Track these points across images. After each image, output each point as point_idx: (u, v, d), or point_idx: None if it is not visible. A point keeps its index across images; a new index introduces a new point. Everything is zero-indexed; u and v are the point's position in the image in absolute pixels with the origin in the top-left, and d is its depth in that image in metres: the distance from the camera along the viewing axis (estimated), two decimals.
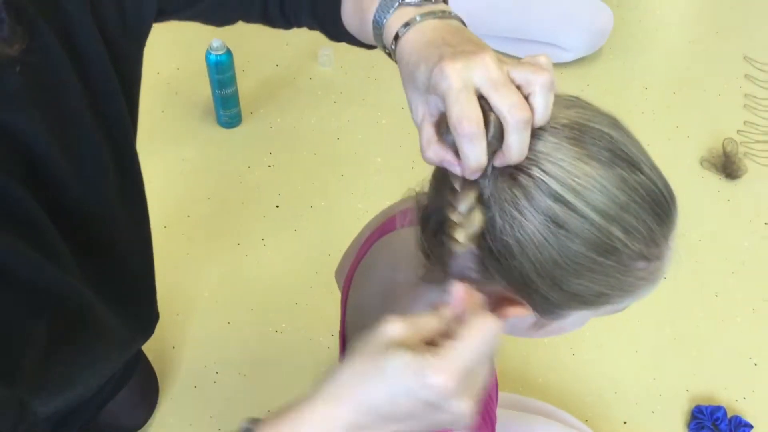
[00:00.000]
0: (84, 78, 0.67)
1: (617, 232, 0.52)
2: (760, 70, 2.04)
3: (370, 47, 0.71)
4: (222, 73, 1.61)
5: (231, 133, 1.75)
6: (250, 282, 1.51)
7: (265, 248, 1.56)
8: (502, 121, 0.50)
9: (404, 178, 1.65)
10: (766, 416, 1.41)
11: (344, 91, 1.87)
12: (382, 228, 0.81)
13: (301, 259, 1.55)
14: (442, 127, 0.53)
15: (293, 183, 1.68)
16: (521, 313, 0.57)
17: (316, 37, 1.93)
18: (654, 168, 0.56)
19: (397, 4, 0.61)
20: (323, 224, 1.61)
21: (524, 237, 0.52)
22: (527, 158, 0.51)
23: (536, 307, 0.56)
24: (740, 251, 1.66)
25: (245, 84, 1.80)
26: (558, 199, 0.51)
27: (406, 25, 0.59)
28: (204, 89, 1.72)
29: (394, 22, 0.61)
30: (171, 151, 1.70)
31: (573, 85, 1.91)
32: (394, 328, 0.50)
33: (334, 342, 1.44)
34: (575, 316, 0.58)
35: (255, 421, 0.52)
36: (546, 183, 0.51)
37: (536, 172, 0.51)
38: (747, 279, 1.61)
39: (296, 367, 1.40)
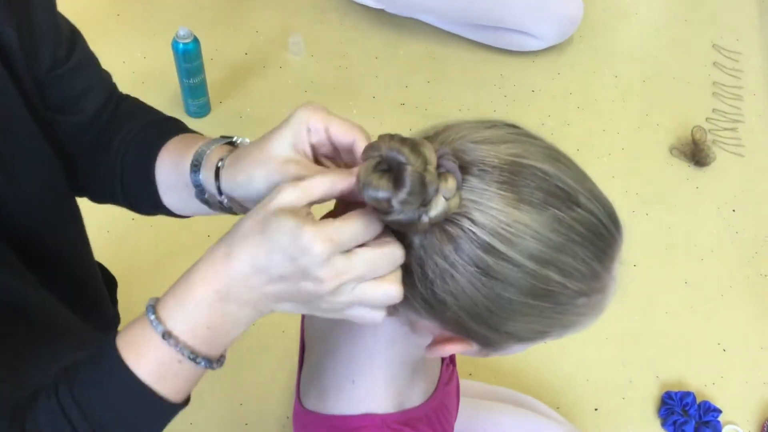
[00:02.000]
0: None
1: (554, 276, 0.51)
2: (728, 57, 2.06)
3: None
4: (189, 62, 1.59)
5: (200, 122, 1.73)
6: None
7: None
8: None
9: None
10: (735, 401, 1.44)
11: (315, 80, 1.85)
12: None
13: None
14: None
15: None
16: (462, 349, 0.57)
17: (286, 25, 1.92)
18: (593, 197, 0.53)
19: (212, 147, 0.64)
20: None
21: (457, 289, 0.51)
22: (458, 207, 0.50)
23: (475, 341, 0.56)
24: (709, 239, 1.68)
25: (214, 73, 1.77)
26: (488, 250, 0.49)
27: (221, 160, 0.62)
28: (171, 78, 1.69)
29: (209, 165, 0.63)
30: None
31: (544, 73, 1.92)
32: (285, 194, 0.50)
33: None
34: (518, 347, 0.58)
35: (156, 299, 0.55)
36: (476, 234, 0.49)
37: (466, 223, 0.49)
38: (715, 266, 1.63)
39: (268, 361, 1.38)
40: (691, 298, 1.57)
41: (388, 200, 0.47)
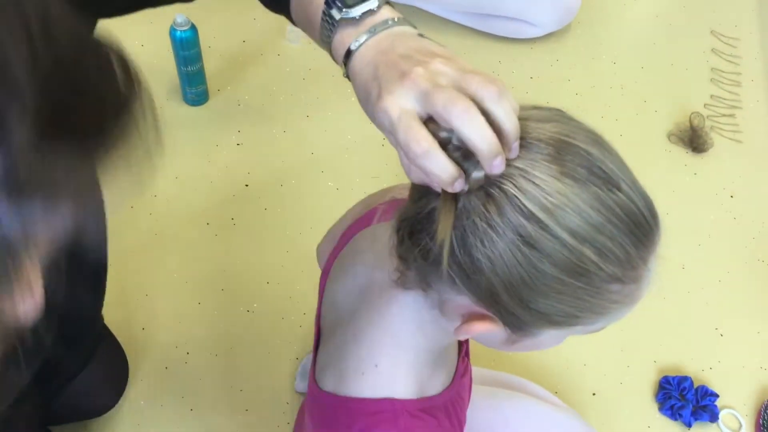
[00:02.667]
0: None
1: (590, 254, 0.51)
2: (727, 44, 2.06)
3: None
4: (187, 49, 1.58)
5: (198, 110, 1.73)
6: (220, 262, 1.49)
7: (234, 228, 1.54)
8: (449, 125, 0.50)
9: (375, 154, 1.65)
10: (732, 386, 1.45)
11: (313, 68, 1.84)
12: (360, 221, 0.80)
13: (271, 238, 1.54)
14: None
15: (262, 161, 1.66)
16: (490, 329, 0.57)
17: None
18: (635, 187, 0.54)
19: (335, 25, 0.61)
20: (293, 203, 1.60)
21: (494, 254, 0.51)
22: (502, 173, 0.50)
23: (505, 322, 0.56)
24: (706, 224, 1.68)
25: (212, 61, 1.77)
26: (529, 217, 0.50)
27: (348, 54, 0.59)
28: (169, 66, 1.69)
29: (338, 47, 0.61)
30: None
31: (542, 60, 1.91)
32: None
33: (306, 321, 1.43)
34: (548, 335, 0.58)
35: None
36: (519, 199, 0.50)
37: (510, 187, 0.50)
38: (713, 251, 1.64)
39: (268, 347, 1.39)
40: (689, 284, 1.58)
41: (449, 138, 0.50)
